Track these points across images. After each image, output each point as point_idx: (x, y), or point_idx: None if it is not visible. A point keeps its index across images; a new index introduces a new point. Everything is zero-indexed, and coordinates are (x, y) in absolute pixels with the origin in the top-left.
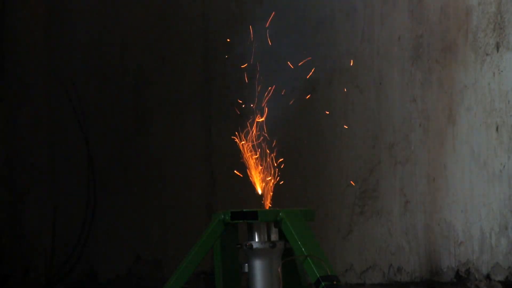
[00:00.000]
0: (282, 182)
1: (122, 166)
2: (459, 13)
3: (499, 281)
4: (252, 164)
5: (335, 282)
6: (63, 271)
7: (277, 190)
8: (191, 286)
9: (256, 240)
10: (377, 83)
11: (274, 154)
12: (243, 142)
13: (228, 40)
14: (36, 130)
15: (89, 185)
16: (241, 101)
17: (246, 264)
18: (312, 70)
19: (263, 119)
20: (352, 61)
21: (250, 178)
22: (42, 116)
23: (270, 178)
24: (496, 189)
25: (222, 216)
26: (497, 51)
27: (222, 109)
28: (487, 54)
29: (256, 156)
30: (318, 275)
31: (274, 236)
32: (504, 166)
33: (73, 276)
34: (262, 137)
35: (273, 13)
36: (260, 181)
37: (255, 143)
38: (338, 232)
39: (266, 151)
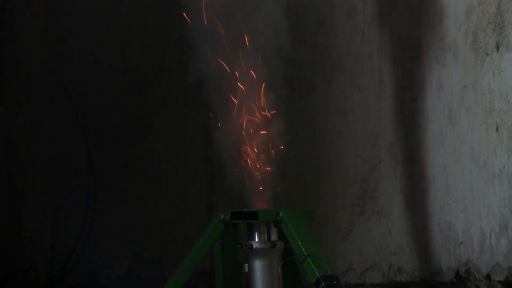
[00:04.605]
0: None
1: (122, 165)
2: (459, 13)
3: (499, 281)
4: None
5: (335, 282)
6: (63, 271)
7: (277, 189)
8: (191, 286)
9: (256, 240)
10: (377, 83)
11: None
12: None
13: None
14: (36, 130)
15: (89, 185)
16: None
17: (246, 264)
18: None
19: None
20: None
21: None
22: (42, 116)
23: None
24: (496, 189)
25: (222, 216)
26: (497, 51)
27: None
28: (487, 54)
29: None
30: (318, 275)
31: (274, 236)
32: (504, 166)
33: (73, 276)
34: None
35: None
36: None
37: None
38: (338, 232)
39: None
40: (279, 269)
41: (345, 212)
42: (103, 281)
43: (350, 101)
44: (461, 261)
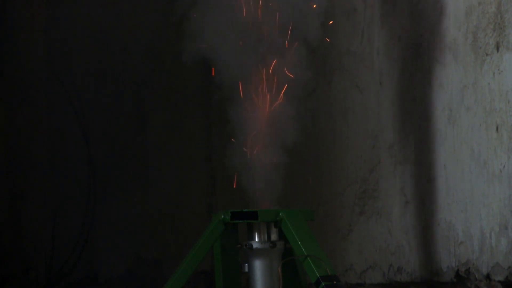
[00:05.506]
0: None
1: (122, 165)
2: (459, 13)
3: (499, 281)
4: None
5: (335, 282)
6: (63, 271)
7: (277, 190)
8: (191, 286)
9: (256, 240)
10: (377, 83)
11: None
12: None
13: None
14: (36, 130)
15: (89, 185)
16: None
17: (246, 264)
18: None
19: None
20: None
21: None
22: (42, 116)
23: None
24: (496, 189)
25: (222, 216)
26: (497, 51)
27: (222, 109)
28: (487, 54)
29: None
30: (318, 275)
31: (274, 236)
32: (504, 166)
33: (73, 276)
34: None
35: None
36: None
37: None
38: (338, 232)
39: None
40: (279, 269)
41: (345, 212)
42: (103, 281)
43: (350, 101)
44: (461, 261)
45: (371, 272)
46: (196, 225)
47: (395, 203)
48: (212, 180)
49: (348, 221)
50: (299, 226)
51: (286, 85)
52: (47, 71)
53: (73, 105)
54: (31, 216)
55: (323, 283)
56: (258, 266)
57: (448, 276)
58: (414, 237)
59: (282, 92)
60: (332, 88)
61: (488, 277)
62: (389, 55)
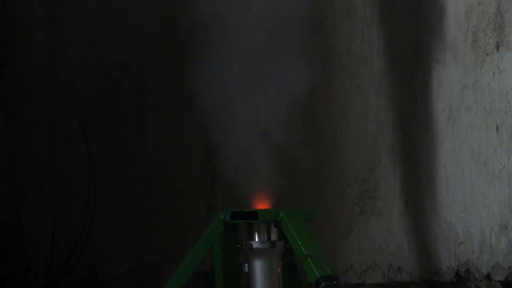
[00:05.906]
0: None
1: (122, 165)
2: (459, 13)
3: (499, 281)
4: None
5: (335, 282)
6: (63, 271)
7: (278, 190)
8: (191, 286)
9: (256, 240)
10: (377, 83)
11: None
12: None
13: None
14: (36, 130)
15: (89, 185)
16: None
17: (246, 264)
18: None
19: None
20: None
21: None
22: (42, 116)
23: None
24: (496, 189)
25: (222, 216)
26: (497, 51)
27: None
28: (487, 54)
29: None
30: (318, 275)
31: (274, 236)
32: (504, 166)
33: (73, 276)
34: None
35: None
36: None
37: None
38: (338, 232)
39: None
40: (279, 269)
41: (345, 212)
42: (103, 281)
43: (350, 101)
44: (461, 261)
45: (371, 272)
46: (196, 225)
47: (395, 203)
48: (212, 180)
49: (348, 221)
50: (299, 226)
51: None
52: (47, 71)
53: (73, 105)
54: (31, 216)
55: (323, 283)
56: (258, 266)
57: (448, 276)
58: (414, 237)
59: None
60: (332, 88)
61: (488, 277)
62: (389, 55)
